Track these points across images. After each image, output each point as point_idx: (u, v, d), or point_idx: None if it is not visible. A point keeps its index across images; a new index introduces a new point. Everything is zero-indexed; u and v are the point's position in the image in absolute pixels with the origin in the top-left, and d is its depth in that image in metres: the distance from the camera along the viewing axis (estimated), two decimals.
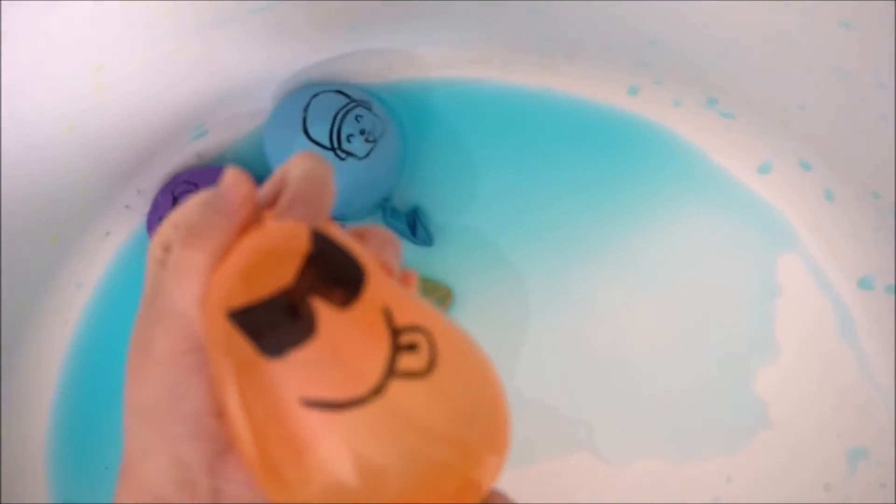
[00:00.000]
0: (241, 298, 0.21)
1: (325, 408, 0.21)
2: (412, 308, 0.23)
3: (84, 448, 0.44)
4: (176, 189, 0.42)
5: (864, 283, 0.43)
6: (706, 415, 0.44)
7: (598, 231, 0.44)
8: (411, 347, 0.22)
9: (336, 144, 0.39)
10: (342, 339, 0.21)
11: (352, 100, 0.40)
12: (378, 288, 0.22)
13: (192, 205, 0.22)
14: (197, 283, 0.22)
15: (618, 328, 0.44)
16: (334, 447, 0.21)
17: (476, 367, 0.23)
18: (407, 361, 0.21)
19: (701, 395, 0.44)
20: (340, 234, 0.23)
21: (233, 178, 0.22)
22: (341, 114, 0.39)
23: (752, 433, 0.43)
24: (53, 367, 0.45)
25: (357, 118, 0.39)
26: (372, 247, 0.24)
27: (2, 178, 0.34)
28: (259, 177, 0.45)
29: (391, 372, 0.21)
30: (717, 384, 0.44)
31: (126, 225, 0.45)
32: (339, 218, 0.43)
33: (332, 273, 0.22)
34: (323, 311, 0.21)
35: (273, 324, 0.21)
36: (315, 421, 0.21)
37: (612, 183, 0.44)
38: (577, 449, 0.44)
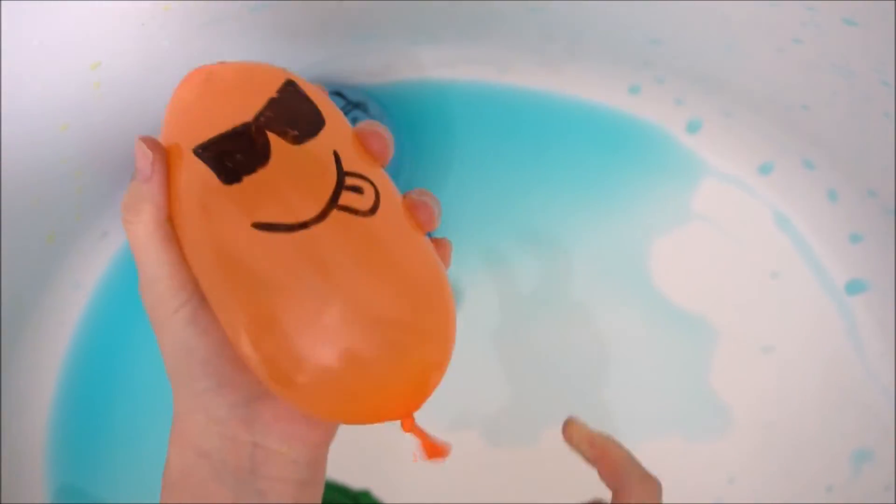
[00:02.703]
0: (204, 136, 0.24)
1: (273, 230, 0.23)
2: (369, 167, 0.25)
3: (83, 447, 0.44)
4: None
5: (869, 284, 0.43)
6: (706, 414, 0.44)
7: (599, 230, 0.44)
8: (356, 189, 0.24)
9: None
10: (292, 168, 0.24)
11: (349, 102, 0.41)
12: (335, 136, 0.25)
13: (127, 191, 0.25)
14: (159, 243, 0.24)
15: (618, 327, 0.44)
16: (286, 266, 0.23)
17: (420, 248, 0.26)
18: (351, 199, 0.24)
19: (700, 394, 0.44)
20: (313, 91, 0.26)
21: (138, 148, 0.25)
22: None
23: (753, 433, 0.43)
24: (52, 367, 0.44)
25: (353, 120, 0.40)
26: (357, 130, 0.26)
27: None
28: None
29: (334, 202, 0.23)
30: (717, 384, 0.43)
31: None
32: None
33: (290, 115, 0.25)
34: (278, 144, 0.24)
35: (230, 152, 0.24)
36: (268, 244, 0.23)
37: (612, 182, 0.44)
38: None
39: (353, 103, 0.41)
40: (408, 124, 0.45)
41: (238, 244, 0.24)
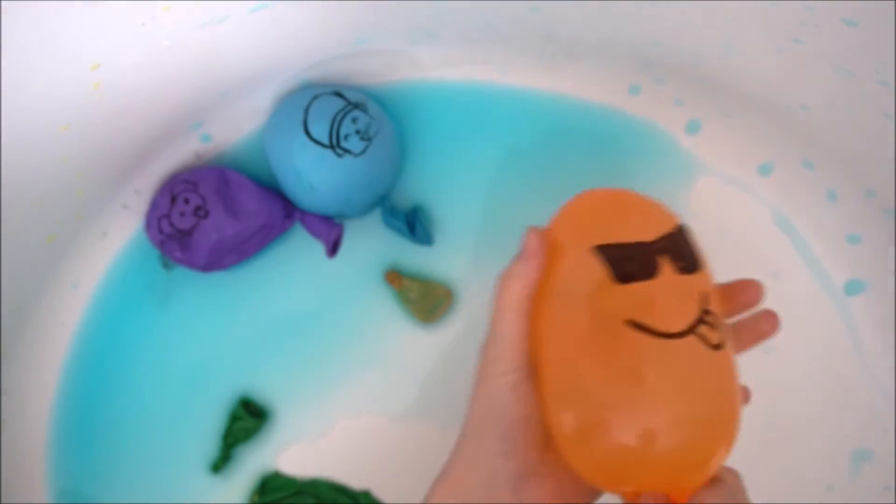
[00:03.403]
0: (609, 238, 0.31)
1: (644, 331, 0.29)
2: (721, 314, 0.31)
3: (83, 448, 0.44)
4: (175, 189, 0.42)
5: (867, 284, 0.43)
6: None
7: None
8: (712, 325, 0.30)
9: (335, 143, 0.40)
10: (671, 290, 0.30)
11: (349, 102, 0.41)
12: (704, 281, 0.31)
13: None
14: (515, 314, 0.30)
15: None
16: (638, 362, 0.28)
17: (733, 383, 0.31)
18: (706, 331, 0.29)
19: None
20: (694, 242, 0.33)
21: (531, 233, 0.31)
22: (340, 116, 0.40)
23: (752, 433, 0.43)
24: (52, 367, 0.44)
25: (353, 120, 0.40)
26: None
27: None
28: (258, 176, 0.45)
29: (693, 329, 0.29)
30: None
31: (124, 225, 0.44)
32: (339, 215, 0.43)
33: (680, 250, 0.31)
34: (664, 268, 0.30)
35: (630, 259, 0.30)
36: (631, 340, 0.28)
37: (612, 182, 0.44)
38: None
39: (353, 103, 0.41)
40: (407, 125, 0.45)
41: (605, 333, 0.29)
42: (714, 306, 0.31)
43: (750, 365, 0.43)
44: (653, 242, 0.31)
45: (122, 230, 0.44)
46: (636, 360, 0.29)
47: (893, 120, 0.35)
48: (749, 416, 0.43)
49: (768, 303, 0.44)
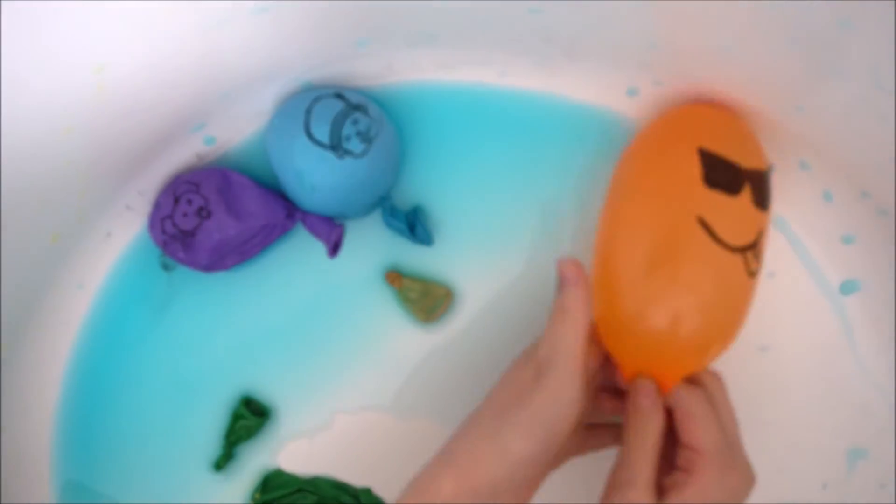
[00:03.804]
0: (714, 149, 0.36)
1: (706, 230, 0.34)
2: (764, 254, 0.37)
3: (86, 447, 0.45)
4: (177, 189, 0.42)
5: (863, 284, 0.43)
6: None
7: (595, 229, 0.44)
8: (757, 257, 0.36)
9: (336, 144, 0.40)
10: (742, 212, 0.35)
11: (350, 104, 0.41)
12: (766, 222, 0.36)
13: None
14: (579, 330, 0.32)
15: None
16: (697, 260, 0.34)
17: (747, 310, 0.37)
18: (751, 258, 0.35)
19: None
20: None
21: (563, 262, 0.34)
22: (341, 117, 0.40)
23: (748, 432, 0.43)
24: (55, 368, 0.45)
25: (354, 121, 0.40)
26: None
27: (2, 177, 0.34)
28: (260, 177, 0.45)
29: (744, 251, 0.35)
30: None
31: (127, 226, 0.45)
32: (340, 216, 0.44)
33: (762, 187, 0.36)
34: (746, 193, 0.35)
35: (722, 170, 0.35)
36: (693, 234, 0.34)
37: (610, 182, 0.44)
38: None
39: (354, 105, 0.41)
40: (407, 126, 0.45)
41: (671, 223, 0.34)
42: (762, 245, 0.36)
43: (745, 364, 0.44)
44: (745, 169, 0.35)
45: (125, 231, 0.45)
46: (689, 253, 0.34)
47: (891, 121, 0.35)
48: (745, 415, 0.43)
49: (764, 302, 0.44)
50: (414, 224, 0.43)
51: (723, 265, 0.34)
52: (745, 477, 0.33)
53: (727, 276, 0.34)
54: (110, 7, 0.32)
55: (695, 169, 0.35)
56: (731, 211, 0.35)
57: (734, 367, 0.44)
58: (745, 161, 0.36)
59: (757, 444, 0.43)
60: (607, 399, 0.37)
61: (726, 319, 0.35)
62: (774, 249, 0.44)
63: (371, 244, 0.45)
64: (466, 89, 0.45)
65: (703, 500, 0.31)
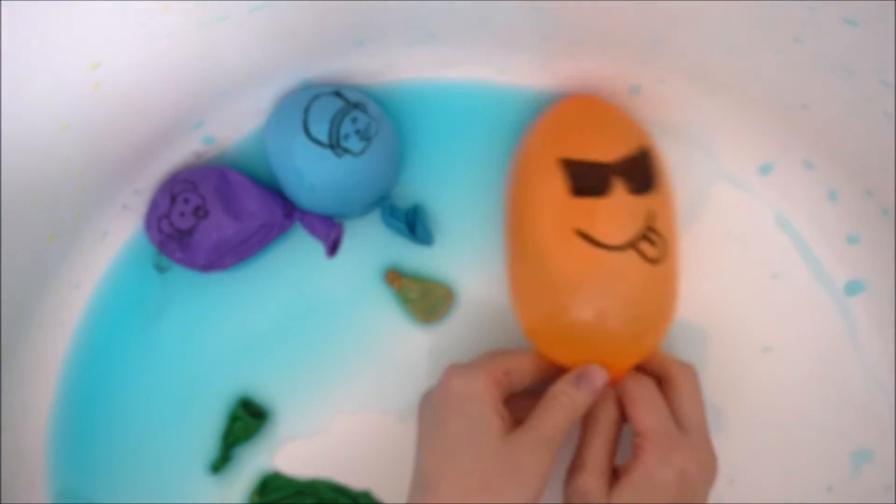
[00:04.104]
0: (575, 154, 0.35)
1: (586, 240, 0.34)
2: (668, 230, 0.36)
3: (83, 448, 0.44)
4: (174, 188, 0.42)
5: (868, 284, 0.43)
6: (708, 414, 0.44)
7: None
8: (652, 242, 0.34)
9: (335, 143, 0.40)
10: (618, 208, 0.34)
11: (348, 103, 0.41)
12: (657, 203, 0.35)
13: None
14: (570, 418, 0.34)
15: None
16: (580, 267, 0.34)
17: (671, 291, 0.36)
18: (646, 247, 0.34)
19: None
20: (660, 162, 0.38)
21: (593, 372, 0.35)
22: (339, 116, 0.40)
23: (752, 433, 0.43)
24: (52, 368, 0.44)
25: (353, 120, 0.40)
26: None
27: None
28: (258, 176, 0.45)
29: (633, 244, 0.34)
30: (716, 384, 0.43)
31: (124, 225, 0.44)
32: (339, 215, 0.43)
33: (636, 173, 0.35)
34: (617, 188, 0.35)
35: (585, 176, 0.35)
36: (577, 247, 0.34)
37: None
38: None
39: (353, 104, 0.41)
40: (407, 125, 0.45)
41: (554, 238, 0.35)
42: (662, 225, 0.35)
43: (749, 364, 0.43)
44: (610, 164, 0.35)
45: (122, 230, 0.44)
46: (579, 265, 0.34)
47: (894, 120, 0.35)
48: (749, 416, 0.43)
49: (768, 303, 0.44)
50: (414, 224, 0.43)
51: (616, 266, 0.34)
52: (700, 459, 0.34)
53: (625, 274, 0.34)
54: (107, 4, 0.31)
55: (560, 183, 0.35)
56: (604, 213, 0.34)
57: (737, 367, 0.43)
58: (613, 153, 0.35)
59: (760, 446, 0.43)
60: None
61: (649, 310, 0.35)
62: (778, 249, 0.44)
63: (371, 244, 0.44)
64: (467, 88, 0.44)
65: (649, 481, 0.32)
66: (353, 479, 0.44)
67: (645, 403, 0.34)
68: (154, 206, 0.42)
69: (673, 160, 0.44)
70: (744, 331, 0.43)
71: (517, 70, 0.44)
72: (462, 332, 0.44)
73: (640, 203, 0.35)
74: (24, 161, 0.35)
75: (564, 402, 0.34)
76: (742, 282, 0.44)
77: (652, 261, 0.34)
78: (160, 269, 0.44)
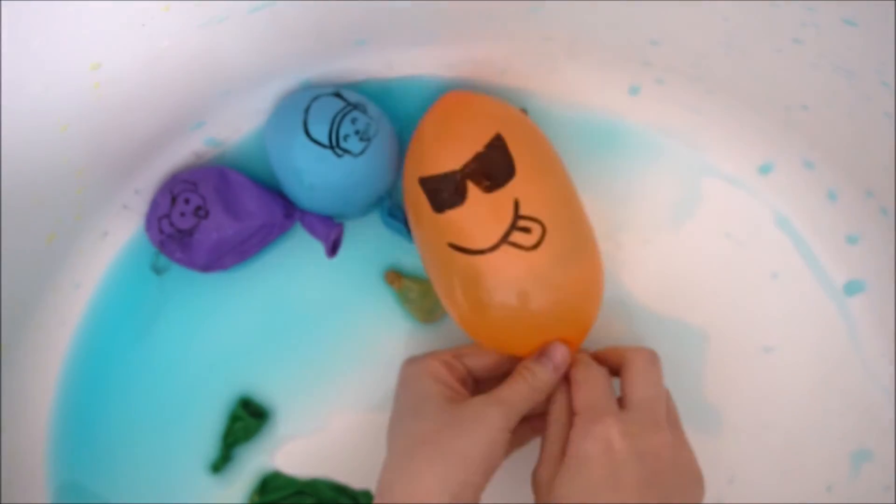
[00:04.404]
0: (429, 169, 0.35)
1: (460, 251, 0.34)
2: (543, 207, 0.34)
3: (83, 448, 0.44)
4: (175, 188, 0.42)
5: (868, 284, 0.43)
6: (705, 414, 0.44)
7: (597, 231, 0.44)
8: (526, 229, 0.34)
9: (334, 143, 0.40)
10: (480, 210, 0.34)
11: (348, 103, 0.41)
12: (520, 186, 0.34)
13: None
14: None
15: (615, 327, 0.44)
16: (467, 274, 0.34)
17: (577, 268, 0.36)
18: (519, 237, 0.34)
19: (699, 394, 0.44)
20: (528, 135, 0.37)
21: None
22: (339, 116, 0.40)
23: (752, 433, 0.43)
24: (52, 368, 0.44)
25: (353, 120, 0.40)
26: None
27: None
28: (259, 176, 0.45)
29: (505, 239, 0.34)
30: (716, 384, 0.43)
31: (124, 225, 0.44)
32: (339, 215, 0.43)
33: (486, 169, 0.34)
34: (473, 190, 0.34)
35: (440, 190, 0.35)
36: (456, 258, 0.34)
37: (611, 182, 0.44)
38: None
39: (352, 104, 0.41)
40: (407, 125, 0.45)
41: (437, 254, 0.35)
42: (530, 208, 0.34)
43: (749, 364, 0.43)
44: (460, 170, 0.35)
45: (122, 230, 0.44)
46: (463, 276, 0.34)
47: (894, 120, 0.35)
48: (749, 417, 0.43)
49: (768, 303, 0.44)
50: None
51: (497, 265, 0.34)
52: (631, 432, 0.33)
53: (508, 270, 0.34)
54: (107, 4, 0.31)
55: (424, 202, 0.35)
56: (466, 221, 0.34)
57: (737, 367, 0.43)
58: (463, 156, 0.35)
59: (760, 446, 0.43)
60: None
61: (552, 291, 0.34)
62: (778, 249, 0.44)
63: (371, 244, 0.44)
64: (466, 88, 0.44)
65: (575, 458, 0.32)
66: (353, 479, 0.44)
67: (582, 384, 0.35)
68: (154, 205, 0.42)
69: (673, 160, 0.44)
70: (744, 331, 0.43)
71: (516, 70, 0.44)
72: (461, 331, 0.44)
73: (500, 197, 0.34)
74: (25, 161, 0.35)
75: (525, 376, 0.35)
76: (742, 282, 0.44)
77: (531, 248, 0.34)
78: (157, 270, 0.44)
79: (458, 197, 0.34)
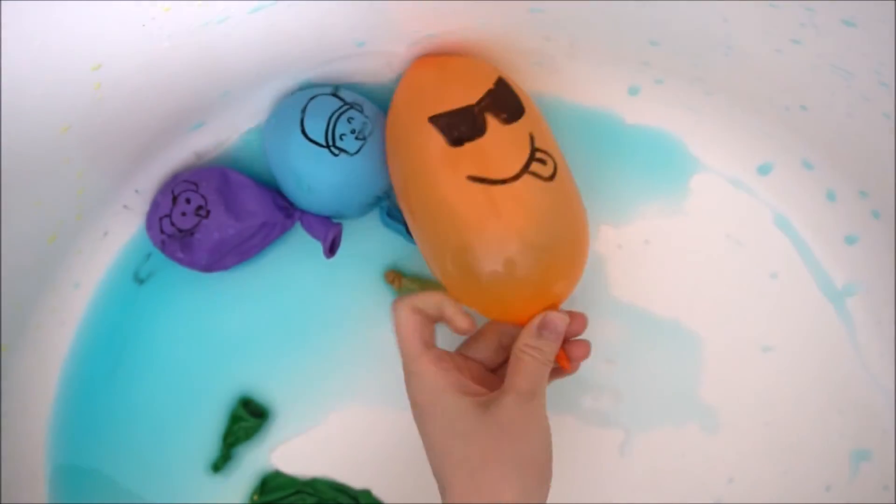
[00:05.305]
0: (438, 110, 0.35)
1: (481, 182, 0.34)
2: (551, 145, 0.36)
3: (83, 448, 0.44)
4: (176, 188, 0.42)
5: (867, 285, 0.43)
6: (705, 414, 0.44)
7: (596, 230, 0.44)
8: (542, 161, 0.35)
9: (331, 142, 0.40)
10: (500, 141, 0.35)
11: (345, 103, 0.41)
12: (531, 122, 0.36)
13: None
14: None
15: (614, 327, 0.44)
16: (484, 210, 0.34)
17: (575, 206, 0.36)
18: (538, 167, 0.35)
19: (699, 394, 0.44)
20: (517, 86, 0.38)
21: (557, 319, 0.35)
22: (335, 115, 0.40)
23: (752, 433, 0.43)
24: (52, 368, 0.44)
25: (349, 119, 0.40)
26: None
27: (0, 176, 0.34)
28: (259, 175, 0.45)
29: (526, 168, 0.34)
30: (715, 384, 0.44)
31: (125, 225, 0.44)
32: (337, 215, 0.43)
33: (503, 103, 0.36)
34: (492, 122, 0.35)
35: (458, 124, 0.35)
36: (475, 193, 0.34)
37: (610, 182, 0.44)
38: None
39: (349, 103, 0.41)
40: None
41: (451, 191, 0.34)
42: (542, 142, 0.36)
43: (748, 364, 0.44)
44: (475, 104, 0.35)
45: (123, 230, 0.44)
46: (484, 205, 0.34)
47: (893, 120, 0.35)
48: (748, 416, 0.43)
49: (767, 303, 0.44)
50: None
51: (518, 194, 0.34)
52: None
53: (528, 200, 0.34)
54: (108, 5, 0.31)
55: (437, 139, 0.35)
56: (490, 150, 0.34)
57: (737, 367, 0.44)
58: (474, 93, 0.36)
59: (760, 446, 0.43)
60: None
61: (561, 228, 0.35)
62: (777, 249, 0.44)
63: (370, 244, 0.44)
64: None
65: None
66: (353, 478, 0.44)
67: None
68: (155, 205, 0.42)
69: (672, 160, 0.44)
70: (743, 331, 0.43)
71: (516, 70, 0.44)
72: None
73: (519, 129, 0.35)
74: (26, 162, 0.35)
75: (534, 355, 0.34)
76: (741, 282, 0.44)
77: (548, 178, 0.35)
78: (139, 280, 0.44)
79: (478, 130, 0.35)
